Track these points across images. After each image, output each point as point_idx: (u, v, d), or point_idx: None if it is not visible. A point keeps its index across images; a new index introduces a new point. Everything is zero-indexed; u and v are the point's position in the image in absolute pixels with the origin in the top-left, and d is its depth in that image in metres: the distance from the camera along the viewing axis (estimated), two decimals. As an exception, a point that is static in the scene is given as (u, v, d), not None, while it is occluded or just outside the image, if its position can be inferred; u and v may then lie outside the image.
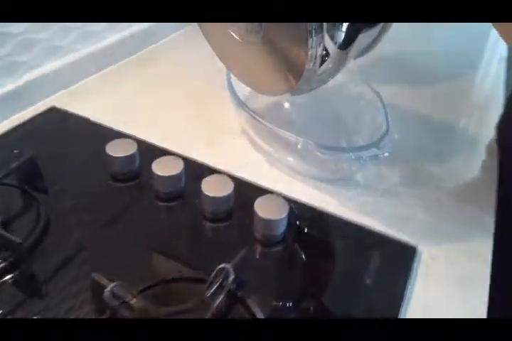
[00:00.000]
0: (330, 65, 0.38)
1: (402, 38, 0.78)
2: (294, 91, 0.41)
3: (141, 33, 0.68)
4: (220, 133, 0.53)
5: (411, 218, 0.44)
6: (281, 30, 0.36)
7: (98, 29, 0.61)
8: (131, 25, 0.66)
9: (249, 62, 0.43)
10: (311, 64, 0.36)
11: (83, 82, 0.60)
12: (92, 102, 0.56)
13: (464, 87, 0.69)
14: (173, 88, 0.61)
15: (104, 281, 0.31)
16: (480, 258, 0.40)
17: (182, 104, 0.58)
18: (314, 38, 0.34)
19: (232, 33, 0.40)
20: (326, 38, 0.35)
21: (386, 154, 0.42)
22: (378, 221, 0.43)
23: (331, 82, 0.55)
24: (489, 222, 0.44)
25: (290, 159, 0.48)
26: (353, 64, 0.52)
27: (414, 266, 0.39)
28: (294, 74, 0.38)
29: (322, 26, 0.34)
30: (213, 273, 0.32)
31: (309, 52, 0.35)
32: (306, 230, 0.41)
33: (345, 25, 0.35)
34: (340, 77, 0.54)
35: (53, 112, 0.54)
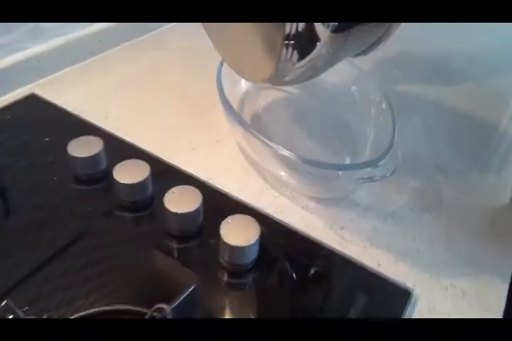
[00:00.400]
0: (323, 51, 0.31)
1: (427, 36, 0.71)
2: (277, 80, 0.34)
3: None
4: (206, 135, 0.47)
5: (412, 252, 0.37)
6: None
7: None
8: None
9: (235, 42, 0.36)
10: (290, 50, 0.29)
11: (69, 69, 0.55)
12: (75, 92, 0.51)
13: (495, 93, 0.60)
14: (162, 82, 0.55)
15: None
16: (489, 313, 0.33)
17: (168, 100, 0.52)
18: None
19: None
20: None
21: (384, 176, 0.35)
22: (372, 253, 0.37)
23: (338, 82, 0.50)
24: (507, 268, 0.36)
25: (277, 170, 0.41)
26: (365, 63, 0.45)
27: (406, 315, 0.32)
28: (271, 58, 0.31)
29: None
30: (149, 313, 0.26)
31: (286, 34, 0.28)
32: (281, 259, 0.35)
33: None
34: (349, 78, 0.48)
35: (32, 100, 0.50)
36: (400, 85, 0.60)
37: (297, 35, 0.29)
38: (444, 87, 0.61)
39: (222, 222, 0.33)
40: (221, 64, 0.45)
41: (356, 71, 0.47)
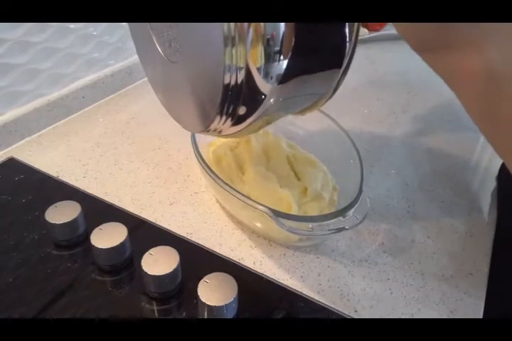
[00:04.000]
0: (267, 106, 0.29)
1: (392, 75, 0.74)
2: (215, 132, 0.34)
3: (117, 73, 0.65)
4: (184, 188, 0.49)
5: (386, 295, 0.38)
6: (199, 54, 0.30)
7: (69, 71, 0.58)
8: (106, 65, 0.64)
9: (172, 88, 0.36)
10: (223, 118, 0.30)
11: (49, 128, 0.57)
12: (54, 152, 0.53)
13: (464, 132, 0.63)
14: (139, 136, 0.57)
15: None
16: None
17: (146, 154, 0.54)
18: (232, 75, 0.27)
19: (157, 46, 0.34)
20: (257, 75, 0.27)
21: (354, 225, 0.37)
22: (348, 299, 0.38)
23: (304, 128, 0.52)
24: (479, 306, 0.38)
25: (252, 222, 0.43)
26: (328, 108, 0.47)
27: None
28: (207, 113, 0.31)
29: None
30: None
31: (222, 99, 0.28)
32: (260, 313, 0.36)
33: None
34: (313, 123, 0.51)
35: (11, 164, 0.51)
36: (366, 126, 0.62)
37: (235, 95, 0.28)
38: (413, 126, 0.63)
39: (200, 282, 0.34)
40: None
41: (320, 115, 0.50)
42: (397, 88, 0.73)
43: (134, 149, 0.54)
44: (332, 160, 0.48)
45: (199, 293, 0.33)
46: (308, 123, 0.52)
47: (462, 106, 0.27)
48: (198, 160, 0.42)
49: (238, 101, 0.28)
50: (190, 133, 0.45)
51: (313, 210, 0.42)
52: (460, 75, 0.25)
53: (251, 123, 0.30)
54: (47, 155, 0.52)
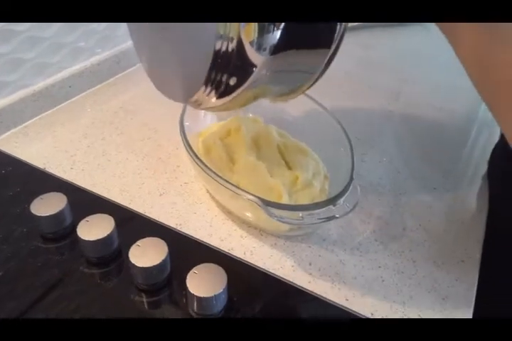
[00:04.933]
0: (259, 76, 0.29)
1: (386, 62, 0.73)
2: (199, 105, 0.34)
3: (104, 62, 0.63)
4: (173, 179, 0.48)
5: (377, 283, 0.38)
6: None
7: (54, 61, 0.57)
8: (93, 54, 0.62)
9: (159, 55, 0.36)
10: (208, 88, 0.29)
11: (34, 119, 0.56)
12: (41, 143, 0.52)
13: (457, 120, 0.62)
14: (127, 126, 0.56)
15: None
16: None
17: (134, 145, 0.53)
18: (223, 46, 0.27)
19: None
20: (248, 45, 0.27)
21: (345, 213, 0.36)
22: (340, 288, 0.37)
23: (296, 116, 0.51)
24: (471, 293, 0.37)
25: (242, 212, 0.42)
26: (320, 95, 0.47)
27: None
28: (195, 81, 0.31)
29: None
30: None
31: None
32: (250, 304, 0.36)
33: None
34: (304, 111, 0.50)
35: (-4, 156, 0.50)
36: (358, 113, 0.62)
37: (225, 63, 0.28)
38: (405, 113, 0.63)
39: (189, 273, 0.34)
40: (184, 109, 0.46)
41: (311, 103, 0.49)
42: (389, 75, 0.72)
43: (123, 139, 0.53)
44: (323, 148, 0.47)
45: (188, 285, 0.33)
46: (299, 111, 0.51)
47: (462, 64, 0.27)
48: (187, 150, 0.42)
49: (227, 72, 0.28)
50: (179, 123, 0.44)
51: (304, 199, 0.42)
52: (460, 27, 0.25)
53: (240, 94, 0.30)
54: (33, 146, 0.51)
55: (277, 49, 0.27)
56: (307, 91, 0.48)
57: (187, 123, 0.45)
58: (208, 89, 0.29)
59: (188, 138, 0.43)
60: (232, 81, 0.28)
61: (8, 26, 0.49)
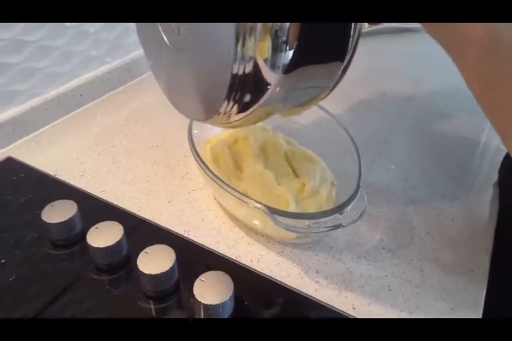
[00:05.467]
0: (273, 95, 0.30)
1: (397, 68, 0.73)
2: (221, 123, 0.34)
3: (114, 71, 0.64)
4: (182, 186, 0.49)
5: (384, 292, 0.38)
6: (209, 43, 0.30)
7: (65, 70, 0.58)
8: (104, 62, 0.63)
9: (176, 76, 0.37)
10: (230, 104, 0.30)
11: (46, 127, 0.57)
12: (52, 151, 0.53)
13: (468, 127, 0.62)
14: (137, 134, 0.57)
15: None
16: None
17: (144, 152, 0.53)
18: (240, 67, 0.27)
19: (162, 33, 0.34)
20: (263, 65, 0.28)
21: (352, 222, 0.36)
22: (346, 296, 0.37)
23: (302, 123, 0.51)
24: (479, 303, 0.37)
25: (250, 220, 0.42)
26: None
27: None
28: (213, 101, 0.31)
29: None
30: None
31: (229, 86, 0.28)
32: (257, 312, 0.36)
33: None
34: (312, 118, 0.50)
35: (9, 164, 0.51)
36: (367, 120, 0.62)
37: (242, 83, 0.28)
38: (414, 120, 0.63)
39: (196, 280, 0.34)
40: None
41: (318, 110, 0.49)
42: (398, 81, 0.72)
43: (132, 147, 0.54)
44: (330, 155, 0.47)
45: (195, 292, 0.33)
46: (306, 118, 0.51)
47: (463, 79, 0.27)
48: (195, 157, 0.42)
49: (244, 90, 0.29)
50: (187, 131, 0.45)
51: (311, 207, 0.42)
52: (463, 43, 0.25)
53: (253, 112, 0.31)
54: (45, 154, 0.52)
55: (290, 67, 0.28)
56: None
57: (195, 131, 0.45)
58: (229, 106, 0.30)
59: (196, 145, 0.43)
60: (247, 98, 0.29)
61: (19, 37, 0.51)
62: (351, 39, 0.30)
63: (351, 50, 0.31)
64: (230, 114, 0.31)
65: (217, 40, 0.28)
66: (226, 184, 0.39)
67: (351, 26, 0.29)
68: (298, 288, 0.38)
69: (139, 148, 0.54)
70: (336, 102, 0.49)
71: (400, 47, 0.84)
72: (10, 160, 0.51)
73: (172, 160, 0.52)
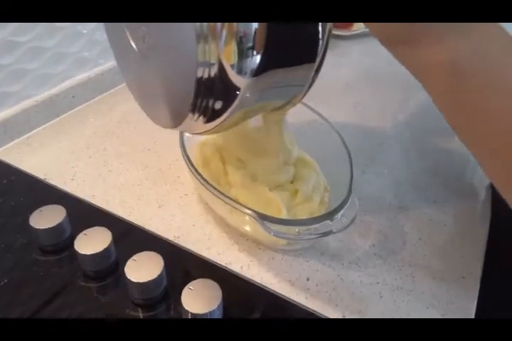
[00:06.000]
0: (243, 99, 0.29)
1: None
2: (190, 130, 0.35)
3: (107, 72, 0.64)
4: (173, 190, 0.48)
5: (375, 298, 0.38)
6: (172, 50, 0.29)
7: (57, 71, 0.57)
8: (97, 64, 0.63)
9: (146, 84, 0.36)
10: (196, 115, 0.29)
11: (38, 129, 0.56)
12: (43, 154, 0.52)
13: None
14: (129, 137, 0.56)
15: None
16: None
17: (135, 156, 0.53)
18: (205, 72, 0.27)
19: (131, 41, 0.33)
20: (230, 71, 0.27)
21: (343, 228, 0.36)
22: (337, 304, 0.37)
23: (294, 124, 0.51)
24: (471, 311, 0.37)
25: (241, 225, 0.42)
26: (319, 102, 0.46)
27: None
28: (181, 109, 0.31)
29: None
30: None
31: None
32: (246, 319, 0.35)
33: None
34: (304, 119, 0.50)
35: (-2, 166, 0.50)
36: (360, 124, 0.61)
37: (209, 90, 0.28)
38: (408, 124, 0.62)
39: (184, 289, 0.33)
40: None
41: (311, 113, 0.49)
42: (392, 84, 0.71)
43: (124, 150, 0.54)
44: (323, 160, 0.47)
45: (182, 301, 0.33)
46: (299, 122, 0.51)
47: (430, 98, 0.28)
48: (186, 162, 0.42)
49: (212, 97, 0.28)
50: (179, 135, 0.44)
51: (303, 213, 0.41)
52: (427, 68, 0.26)
53: (227, 118, 0.30)
54: (36, 156, 0.52)
55: (259, 71, 0.27)
56: (308, 102, 0.48)
57: (187, 135, 0.45)
58: (196, 115, 0.29)
59: (189, 148, 0.43)
60: (218, 105, 0.28)
61: (10, 37, 0.50)
62: (320, 41, 0.30)
63: (322, 51, 0.30)
64: (203, 121, 0.30)
65: (180, 46, 0.28)
66: (217, 189, 0.38)
67: (319, 27, 0.29)
68: (288, 296, 0.37)
69: (131, 152, 0.53)
70: (328, 105, 0.49)
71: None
72: (0, 164, 0.50)
73: (164, 164, 0.52)
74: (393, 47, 0.27)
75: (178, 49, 0.28)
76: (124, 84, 0.67)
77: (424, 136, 0.59)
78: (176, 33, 0.27)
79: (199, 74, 0.27)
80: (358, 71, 0.74)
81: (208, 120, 0.30)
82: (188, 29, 0.25)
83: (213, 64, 0.26)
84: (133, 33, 0.33)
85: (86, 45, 0.60)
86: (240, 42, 0.26)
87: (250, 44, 0.26)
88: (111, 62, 0.64)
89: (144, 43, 0.31)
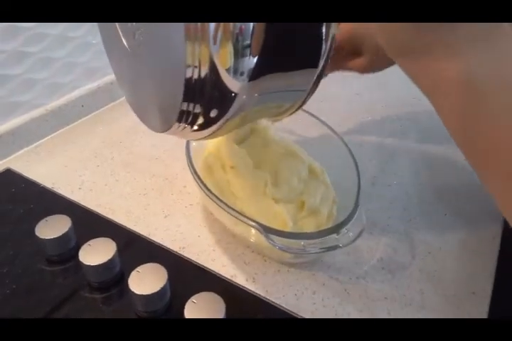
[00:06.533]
0: (240, 105, 0.27)
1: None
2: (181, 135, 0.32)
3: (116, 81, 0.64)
4: (179, 200, 0.48)
5: (383, 315, 0.37)
6: (161, 48, 0.28)
7: (66, 81, 0.58)
8: (106, 73, 0.63)
9: (136, 83, 0.34)
10: (182, 124, 0.28)
11: (46, 138, 0.56)
12: (51, 163, 0.53)
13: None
14: (136, 146, 0.56)
15: None
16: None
17: (142, 165, 0.53)
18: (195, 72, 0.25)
19: (122, 38, 0.32)
20: (224, 73, 0.25)
21: (349, 243, 0.35)
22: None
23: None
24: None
25: (247, 237, 0.42)
26: (328, 114, 0.46)
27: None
28: (170, 113, 0.29)
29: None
30: None
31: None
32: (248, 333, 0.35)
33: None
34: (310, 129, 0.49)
35: (7, 175, 0.51)
36: (370, 134, 0.61)
37: (199, 93, 0.26)
38: (418, 135, 0.61)
39: (187, 302, 0.33)
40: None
41: (319, 124, 0.48)
42: (402, 94, 0.71)
43: (131, 159, 0.54)
44: (331, 171, 0.46)
45: (185, 314, 0.32)
46: (307, 133, 0.50)
47: (439, 117, 0.26)
48: (191, 172, 0.41)
49: (203, 104, 0.27)
50: (185, 144, 0.44)
51: (309, 226, 0.41)
52: (438, 83, 0.24)
53: (224, 123, 0.28)
54: (44, 165, 0.52)
55: (256, 74, 0.25)
56: (316, 114, 0.48)
57: (194, 144, 0.45)
58: (182, 124, 0.28)
59: (196, 157, 0.42)
60: (213, 113, 0.27)
61: (21, 48, 0.51)
62: (324, 43, 0.27)
63: (325, 55, 0.28)
64: (191, 129, 0.29)
65: (170, 46, 0.26)
66: (222, 201, 0.38)
67: (322, 29, 0.27)
68: (293, 310, 0.37)
69: (138, 161, 0.53)
70: (335, 115, 0.48)
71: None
72: (9, 172, 0.51)
73: (170, 173, 0.52)
74: (402, 59, 0.26)
75: (168, 48, 0.26)
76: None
77: (434, 148, 0.58)
78: (166, 30, 0.26)
79: (188, 77, 0.25)
80: (366, 81, 0.73)
81: (203, 127, 0.29)
82: (178, 27, 0.24)
83: (204, 66, 0.24)
84: (124, 29, 0.31)
85: (95, 54, 0.61)
86: (236, 44, 0.24)
87: (247, 46, 0.24)
88: (120, 72, 0.65)
89: (135, 40, 0.30)
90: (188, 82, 0.25)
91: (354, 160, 0.44)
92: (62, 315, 0.36)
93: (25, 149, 0.55)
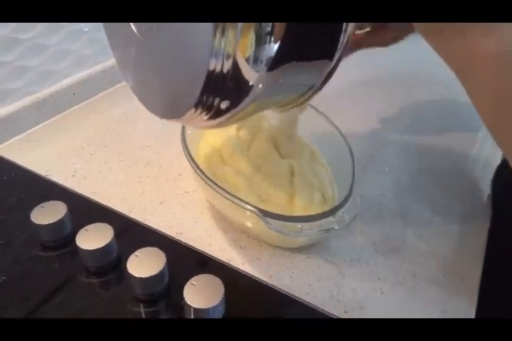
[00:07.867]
0: (256, 94, 0.27)
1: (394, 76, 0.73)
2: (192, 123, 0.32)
3: (108, 70, 0.64)
4: (175, 187, 0.48)
5: (376, 295, 0.38)
6: (182, 35, 0.28)
7: (58, 68, 0.57)
8: (98, 62, 0.63)
9: (145, 69, 0.34)
10: (198, 110, 0.28)
11: (39, 126, 0.56)
12: (44, 151, 0.52)
13: (462, 135, 0.62)
14: (130, 134, 0.56)
15: None
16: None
17: (136, 152, 0.53)
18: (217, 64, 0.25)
19: (132, 25, 0.32)
20: (243, 63, 0.25)
21: (344, 225, 0.36)
22: (338, 300, 0.37)
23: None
24: (470, 311, 0.37)
25: (243, 222, 0.42)
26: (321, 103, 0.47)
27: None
28: (181, 103, 0.29)
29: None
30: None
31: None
32: (247, 315, 0.35)
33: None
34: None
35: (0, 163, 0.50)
36: (361, 124, 0.61)
37: (219, 82, 0.26)
38: (408, 124, 0.62)
39: (186, 284, 0.33)
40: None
41: (314, 113, 0.49)
42: (392, 86, 0.72)
43: (125, 147, 0.54)
44: (326, 157, 0.47)
45: (185, 295, 0.33)
46: (302, 121, 0.51)
47: (467, 94, 0.25)
48: (187, 158, 0.42)
49: (221, 91, 0.27)
50: (181, 131, 0.44)
51: (306, 209, 0.41)
52: (473, 58, 0.23)
53: (235, 114, 0.29)
54: (37, 153, 0.52)
55: (275, 63, 0.26)
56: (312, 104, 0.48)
57: (189, 132, 0.45)
58: (198, 111, 0.28)
59: (191, 144, 0.43)
60: (227, 103, 0.27)
61: (12, 34, 0.50)
62: (342, 36, 0.28)
63: (341, 49, 0.28)
64: (207, 117, 0.29)
65: (193, 33, 0.26)
66: (218, 186, 0.38)
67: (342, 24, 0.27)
68: (290, 291, 0.37)
69: (132, 149, 0.53)
70: (327, 106, 0.49)
71: (396, 52, 0.83)
72: (1, 160, 0.50)
73: (165, 161, 0.52)
74: (433, 38, 0.25)
75: (190, 35, 0.27)
76: (125, 82, 0.67)
77: (425, 137, 0.60)
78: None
79: (211, 66, 0.25)
80: (358, 73, 0.74)
81: (214, 116, 0.29)
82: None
83: (229, 55, 0.25)
84: None
85: (87, 42, 0.60)
86: (259, 31, 0.24)
87: (269, 33, 0.24)
88: (111, 60, 0.64)
89: (146, 27, 0.30)
90: (210, 73, 0.25)
91: (348, 145, 0.44)
92: (60, 299, 0.36)
93: (17, 137, 0.54)
